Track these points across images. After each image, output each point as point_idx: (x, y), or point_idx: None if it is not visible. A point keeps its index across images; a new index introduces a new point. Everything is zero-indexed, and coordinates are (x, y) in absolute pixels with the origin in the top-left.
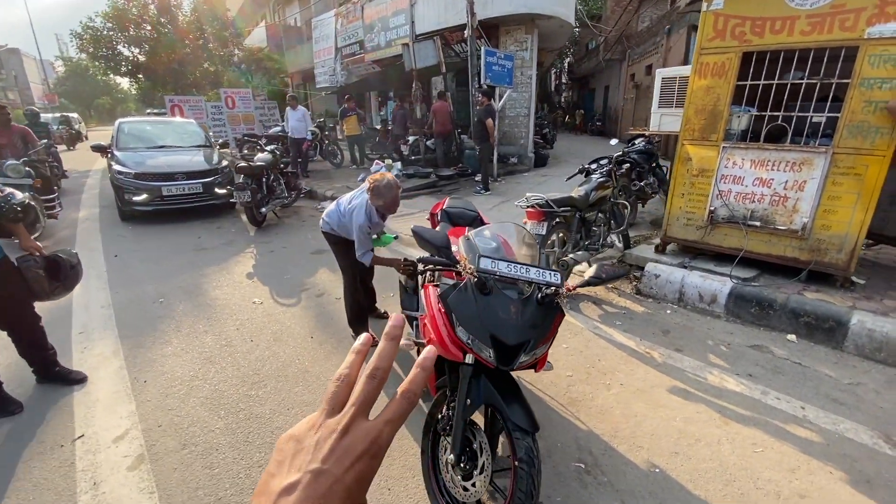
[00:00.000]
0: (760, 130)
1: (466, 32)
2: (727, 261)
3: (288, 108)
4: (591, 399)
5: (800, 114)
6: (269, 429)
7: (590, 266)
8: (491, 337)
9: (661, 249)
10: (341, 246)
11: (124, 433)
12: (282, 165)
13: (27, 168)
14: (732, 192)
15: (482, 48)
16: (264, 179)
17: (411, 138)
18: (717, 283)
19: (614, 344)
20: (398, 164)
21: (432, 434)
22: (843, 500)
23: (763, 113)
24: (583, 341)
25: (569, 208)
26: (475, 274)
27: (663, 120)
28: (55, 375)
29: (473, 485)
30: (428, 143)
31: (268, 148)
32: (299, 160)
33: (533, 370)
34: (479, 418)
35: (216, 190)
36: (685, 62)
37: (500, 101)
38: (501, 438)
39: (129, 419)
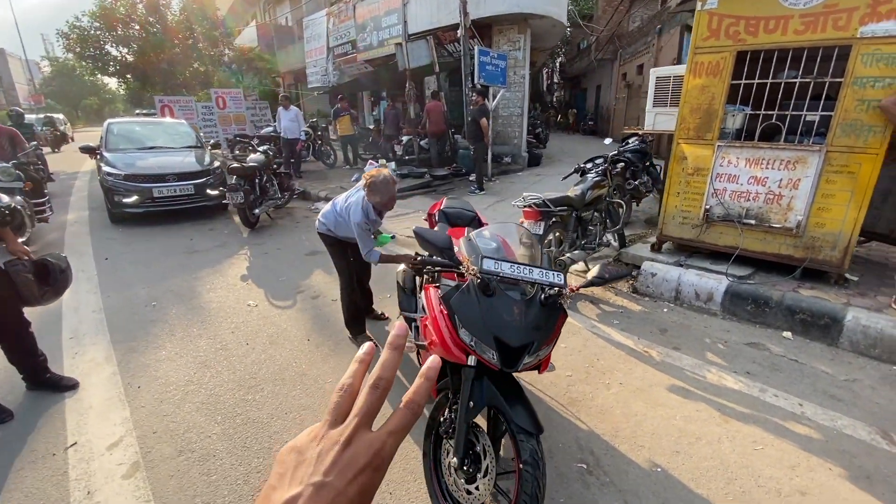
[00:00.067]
0: (755, 129)
1: (459, 32)
2: (722, 259)
3: (280, 109)
4: (591, 399)
5: (794, 112)
6: (266, 433)
7: (586, 265)
8: (494, 339)
9: (656, 248)
10: (337, 247)
11: (118, 440)
12: (275, 166)
13: (17, 171)
14: (728, 190)
15: (475, 48)
16: (257, 180)
17: (405, 138)
18: (713, 282)
19: (612, 343)
20: (392, 165)
21: (434, 437)
22: (844, 497)
23: (757, 112)
24: (581, 340)
25: (565, 208)
26: (478, 275)
27: (658, 119)
28: (46, 382)
29: (477, 488)
30: (422, 143)
31: (260, 148)
32: (292, 161)
33: (536, 371)
34: (481, 421)
35: (208, 191)
36: (678, 62)
37: (493, 100)
38: (504, 441)
39: (123, 426)
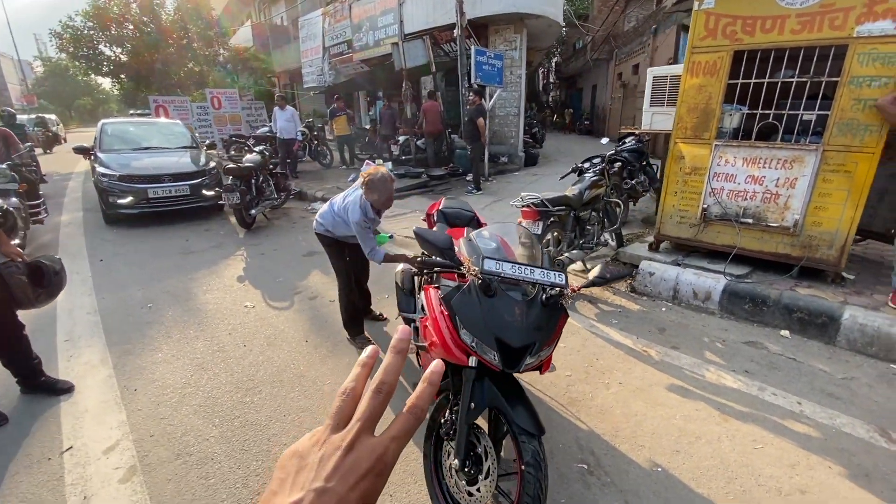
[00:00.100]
0: (752, 128)
1: (456, 32)
2: (720, 258)
3: (276, 108)
4: (590, 399)
5: (790, 112)
6: (265, 436)
7: (584, 265)
8: (496, 340)
9: (654, 247)
10: (335, 248)
11: (115, 444)
12: (271, 166)
13: (12, 173)
14: (725, 189)
15: (472, 47)
16: (253, 181)
17: (401, 138)
18: (710, 281)
19: (611, 343)
20: (388, 165)
21: (434, 438)
22: (843, 495)
23: (754, 111)
24: (580, 340)
25: (563, 207)
26: (479, 276)
27: (655, 118)
28: (41, 385)
29: (478, 490)
30: (418, 142)
31: (256, 149)
32: (288, 161)
33: (538, 372)
34: (482, 422)
35: (204, 192)
36: (675, 61)
37: (490, 100)
38: (505, 442)
39: (119, 429)
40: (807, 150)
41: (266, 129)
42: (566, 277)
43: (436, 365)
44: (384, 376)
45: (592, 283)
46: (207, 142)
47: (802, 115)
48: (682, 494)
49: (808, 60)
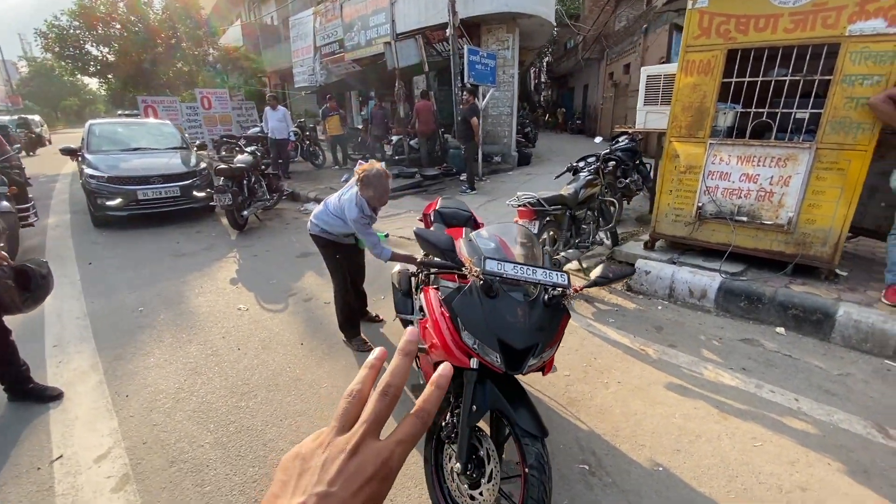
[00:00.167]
0: (746, 127)
1: (448, 31)
2: (715, 256)
3: (267, 109)
4: (590, 398)
5: (784, 110)
6: (261, 441)
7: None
8: (498, 341)
9: (650, 246)
10: (330, 249)
11: (106, 452)
12: (263, 167)
13: (1, 175)
14: (720, 188)
15: (465, 47)
16: (245, 181)
17: (395, 138)
18: (706, 279)
19: (609, 342)
20: (381, 165)
21: (435, 441)
22: (843, 492)
23: (748, 109)
24: (578, 340)
25: (559, 207)
26: (481, 276)
27: (649, 117)
28: (29, 392)
29: (481, 493)
30: (411, 142)
31: (248, 149)
32: (280, 161)
33: (541, 374)
34: (483, 424)
35: (195, 193)
36: (667, 60)
37: (483, 99)
38: (507, 444)
39: (111, 437)
40: (800, 148)
41: (257, 129)
42: (568, 277)
43: (444, 368)
44: (390, 378)
45: (594, 283)
46: (198, 142)
47: (796, 113)
48: (683, 494)
49: (801, 59)
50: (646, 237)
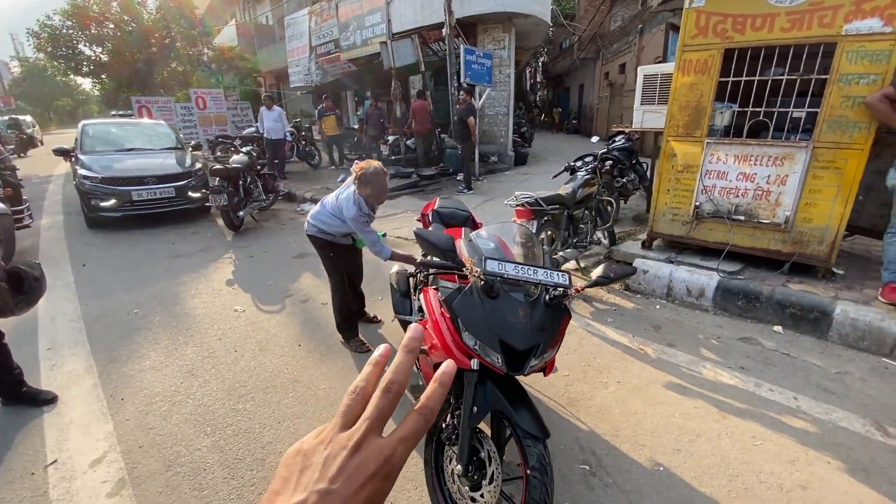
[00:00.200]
0: (743, 126)
1: (444, 31)
2: (712, 255)
3: (262, 109)
4: (589, 398)
5: (780, 109)
6: (259, 444)
7: (578, 264)
8: (500, 342)
9: (647, 245)
10: (328, 249)
11: (102, 456)
12: (258, 167)
13: None
14: (717, 187)
15: (461, 47)
16: (241, 182)
17: (391, 138)
18: (704, 278)
19: (608, 341)
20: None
21: (435, 443)
22: (843, 490)
23: (745, 109)
24: (576, 339)
25: (557, 206)
26: (482, 277)
27: (646, 117)
28: (22, 396)
29: (482, 495)
30: (408, 142)
31: (243, 149)
32: (276, 161)
33: (542, 374)
34: (484, 426)
35: (190, 194)
36: (664, 60)
37: (479, 99)
38: (508, 446)
39: (106, 441)
40: (797, 146)
41: (252, 129)
42: (570, 277)
43: (448, 365)
44: (394, 375)
45: (596, 283)
46: (193, 143)
47: (792, 112)
48: (685, 494)
49: (798, 58)
50: (643, 236)
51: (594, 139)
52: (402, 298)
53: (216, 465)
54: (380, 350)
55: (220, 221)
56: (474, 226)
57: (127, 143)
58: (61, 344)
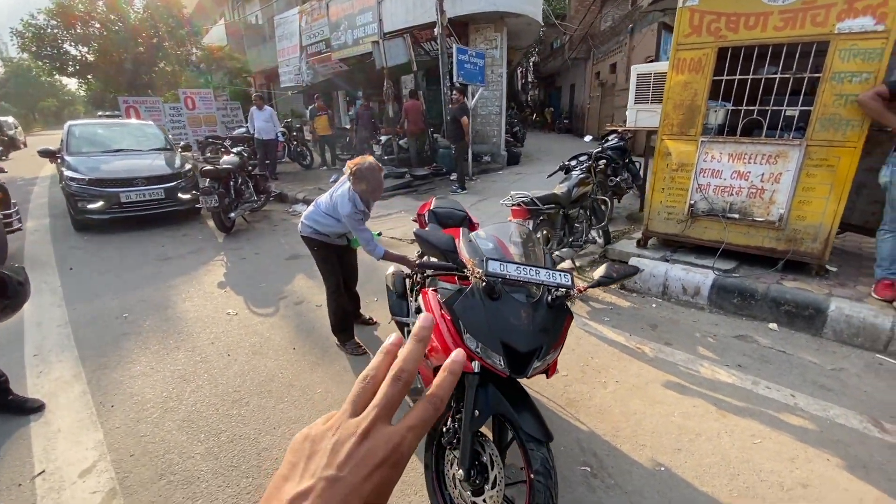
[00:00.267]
0: (737, 124)
1: (436, 30)
2: (707, 253)
3: (253, 109)
4: (588, 399)
5: (774, 108)
6: (255, 451)
7: (573, 263)
8: (502, 344)
9: (642, 244)
10: (322, 251)
11: (91, 466)
12: (249, 168)
13: None
14: (711, 185)
15: (453, 46)
16: (231, 183)
17: (384, 138)
18: (699, 276)
19: (605, 341)
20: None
21: (436, 447)
22: (843, 487)
23: (739, 107)
24: (574, 339)
25: (553, 206)
26: (483, 278)
27: (639, 116)
28: (8, 404)
29: (484, 500)
30: (401, 142)
31: (234, 150)
32: (267, 162)
33: (545, 376)
34: (485, 429)
35: (180, 195)
36: (656, 59)
37: (472, 99)
38: (510, 449)
39: (96, 450)
40: (790, 145)
41: (243, 129)
42: (572, 278)
43: (457, 354)
44: (403, 364)
45: (598, 283)
46: (182, 143)
47: (786, 110)
48: (686, 494)
49: (791, 57)
50: (638, 235)
51: (587, 138)
52: (399, 300)
53: (210, 474)
54: (391, 339)
55: (211, 223)
56: (471, 226)
57: (114, 144)
58: (48, 350)
